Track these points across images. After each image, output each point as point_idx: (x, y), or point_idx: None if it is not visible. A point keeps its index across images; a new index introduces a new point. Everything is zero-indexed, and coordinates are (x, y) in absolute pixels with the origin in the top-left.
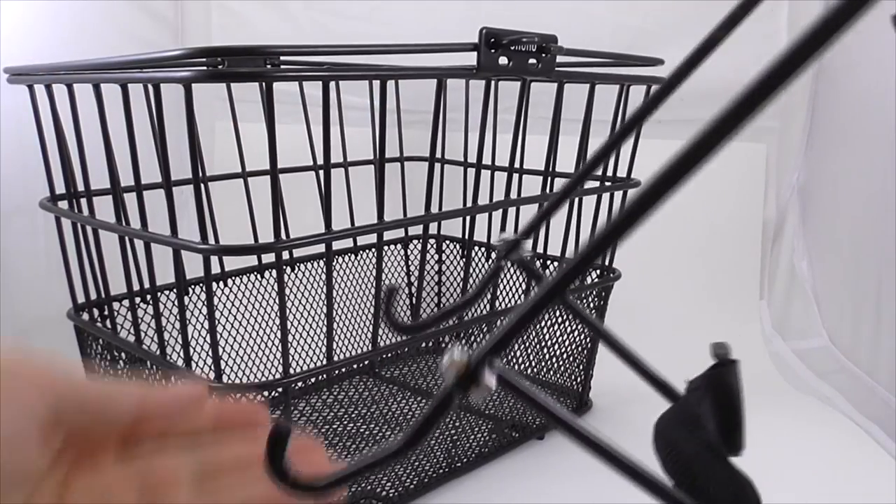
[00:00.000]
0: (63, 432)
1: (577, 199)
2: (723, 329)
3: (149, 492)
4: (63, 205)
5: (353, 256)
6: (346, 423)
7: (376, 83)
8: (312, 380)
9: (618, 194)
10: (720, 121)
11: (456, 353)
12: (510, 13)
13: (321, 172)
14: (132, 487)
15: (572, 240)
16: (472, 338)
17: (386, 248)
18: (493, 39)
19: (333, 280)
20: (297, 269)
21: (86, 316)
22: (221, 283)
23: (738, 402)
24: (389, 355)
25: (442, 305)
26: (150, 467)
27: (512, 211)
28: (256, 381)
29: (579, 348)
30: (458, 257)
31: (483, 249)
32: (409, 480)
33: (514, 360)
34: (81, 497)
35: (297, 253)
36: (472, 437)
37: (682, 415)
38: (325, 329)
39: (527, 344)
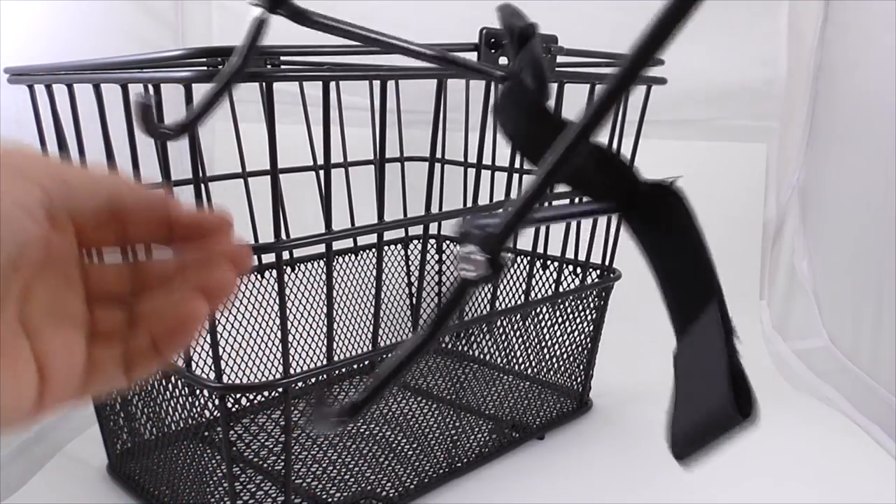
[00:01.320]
0: (50, 214)
1: (576, 200)
2: None
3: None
4: None
5: (353, 256)
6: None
7: (376, 83)
8: (312, 380)
9: None
10: None
11: (472, 251)
12: None
13: (321, 172)
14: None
15: (572, 241)
16: (472, 337)
17: (386, 248)
18: (493, 39)
19: (333, 280)
20: (297, 269)
21: None
22: None
23: (543, 67)
24: (389, 355)
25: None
26: (102, 271)
27: None
28: (256, 381)
29: (579, 348)
30: None
31: None
32: (409, 480)
33: (515, 361)
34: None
35: (298, 253)
36: (472, 437)
37: (529, 103)
38: (325, 329)
39: (527, 344)
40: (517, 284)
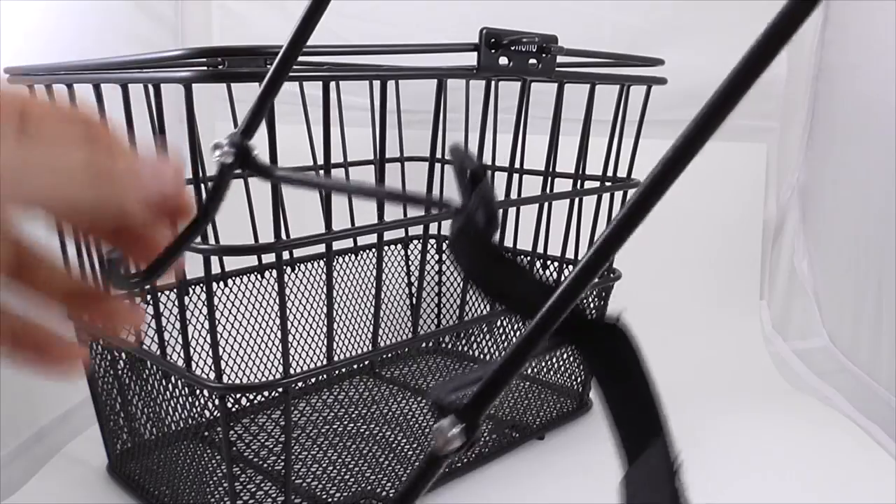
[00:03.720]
0: None
1: (576, 200)
2: (723, 329)
3: None
4: None
5: (353, 256)
6: (346, 423)
7: (376, 83)
8: (312, 380)
9: (618, 194)
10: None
11: (447, 425)
12: (510, 13)
13: (321, 172)
14: None
15: (572, 241)
16: (472, 337)
17: (386, 248)
18: (493, 40)
19: (333, 280)
20: (297, 269)
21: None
22: (221, 283)
23: (495, 208)
24: (389, 355)
25: (442, 306)
26: None
27: (512, 211)
28: (256, 381)
29: None
30: None
31: None
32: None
33: None
34: None
35: (298, 253)
36: None
37: (483, 243)
38: (325, 329)
39: None
40: None
